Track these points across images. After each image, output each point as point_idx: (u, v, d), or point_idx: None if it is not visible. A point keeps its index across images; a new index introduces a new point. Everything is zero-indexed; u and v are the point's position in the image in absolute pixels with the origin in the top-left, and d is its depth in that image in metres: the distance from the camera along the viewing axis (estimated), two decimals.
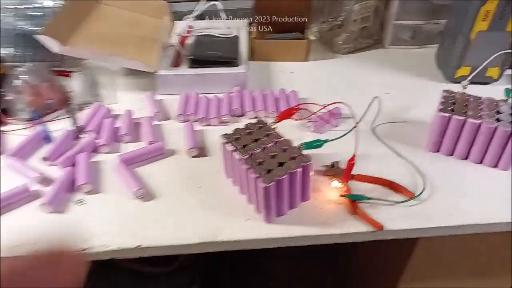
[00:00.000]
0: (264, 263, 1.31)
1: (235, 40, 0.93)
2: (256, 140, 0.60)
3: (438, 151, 0.71)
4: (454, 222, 0.59)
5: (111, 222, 0.59)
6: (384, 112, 0.79)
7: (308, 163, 0.56)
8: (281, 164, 0.56)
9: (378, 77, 0.93)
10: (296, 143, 0.59)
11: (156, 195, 0.62)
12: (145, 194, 0.62)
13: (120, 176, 0.64)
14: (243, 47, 0.91)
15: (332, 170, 0.65)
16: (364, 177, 0.65)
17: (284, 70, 0.95)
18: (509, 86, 0.84)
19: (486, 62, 0.77)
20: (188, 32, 0.96)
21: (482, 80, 0.87)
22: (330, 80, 0.92)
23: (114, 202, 0.62)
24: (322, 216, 0.59)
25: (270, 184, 0.53)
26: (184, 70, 0.84)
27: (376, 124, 0.78)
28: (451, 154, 0.70)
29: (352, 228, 0.58)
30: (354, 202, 0.60)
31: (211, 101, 0.81)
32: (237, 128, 0.62)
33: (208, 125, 0.77)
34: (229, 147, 0.59)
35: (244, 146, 0.59)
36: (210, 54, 0.85)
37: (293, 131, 0.75)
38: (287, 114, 0.68)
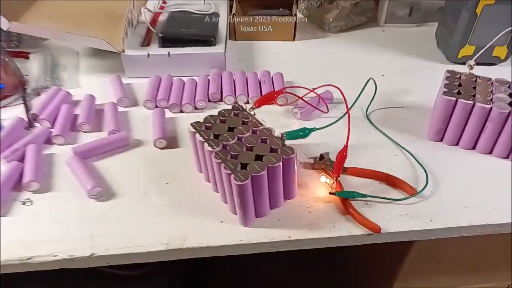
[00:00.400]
0: (250, 263, 1.24)
1: (214, 17, 0.83)
2: (231, 129, 0.51)
3: (441, 140, 0.63)
4: (461, 223, 0.51)
5: (61, 226, 0.50)
6: (380, 96, 0.70)
7: (291, 156, 0.47)
8: (259, 158, 0.47)
9: (373, 58, 0.84)
10: (278, 132, 0.51)
11: (116, 193, 0.53)
12: (101, 193, 0.53)
13: (73, 171, 0.55)
14: (223, 25, 0.81)
15: (321, 163, 0.57)
16: (358, 171, 0.56)
17: (269, 51, 0.86)
18: None
19: (494, 39, 0.68)
20: (161, 7, 0.86)
21: (488, 60, 0.79)
22: (319, 61, 0.83)
23: (66, 202, 0.53)
24: (309, 217, 0.51)
25: (245, 181, 0.44)
26: (155, 50, 0.74)
27: (371, 109, 0.69)
28: (456, 144, 0.62)
29: (344, 230, 0.49)
30: (346, 200, 0.51)
31: (185, 84, 0.71)
32: (209, 115, 0.53)
33: (181, 112, 0.68)
34: (199, 138, 0.50)
35: (217, 136, 0.50)
36: (183, 32, 0.75)
37: (276, 119, 0.66)
38: (268, 98, 0.59)
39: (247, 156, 0.47)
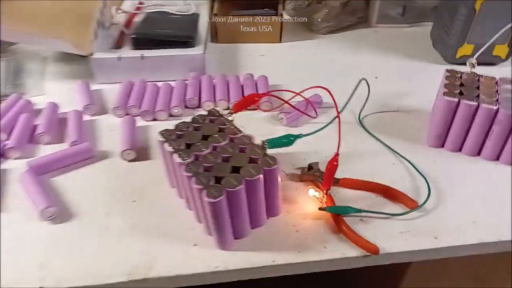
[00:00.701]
0: None
1: (194, 17, 0.77)
2: (205, 138, 0.45)
3: (442, 146, 0.57)
4: (470, 240, 0.44)
5: (7, 254, 0.42)
6: (374, 100, 0.64)
7: (274, 166, 0.41)
8: (236, 170, 0.41)
9: (365, 60, 0.79)
10: (260, 140, 0.44)
11: (74, 214, 0.46)
12: (57, 214, 0.46)
13: (25, 189, 0.48)
14: (204, 26, 0.75)
15: (310, 174, 0.50)
16: (351, 182, 0.50)
17: (254, 53, 0.80)
18: None
19: (495, 37, 0.63)
20: (138, 8, 0.80)
21: (488, 60, 0.73)
22: (308, 64, 0.77)
23: (15, 225, 0.45)
24: (296, 237, 0.44)
25: (219, 198, 0.38)
26: (127, 52, 0.68)
27: (364, 114, 0.63)
28: (459, 150, 0.56)
29: (336, 252, 0.43)
30: (338, 216, 0.45)
31: (160, 90, 0.65)
32: (181, 122, 0.47)
33: (155, 119, 0.61)
34: (168, 148, 0.44)
35: (189, 145, 0.44)
36: (158, 33, 0.69)
37: (260, 126, 0.60)
38: (248, 102, 0.52)
39: (223, 168, 0.41)
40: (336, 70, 0.75)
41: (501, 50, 0.73)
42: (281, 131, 0.59)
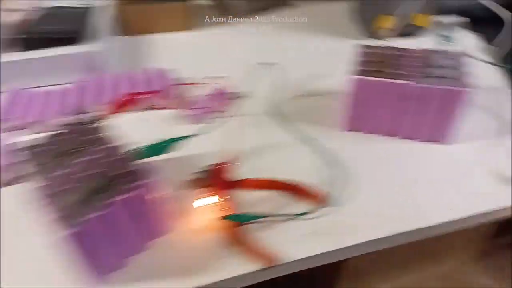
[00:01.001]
0: None
1: (85, 10, 0.68)
2: (68, 153, 0.37)
3: (357, 129, 0.51)
4: (390, 230, 0.40)
5: None
6: (290, 86, 0.58)
7: (147, 180, 0.34)
8: (103, 190, 0.33)
9: (282, 43, 0.72)
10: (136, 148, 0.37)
11: None
12: None
13: None
14: (104, 18, 0.66)
15: (207, 180, 0.43)
16: (255, 183, 0.44)
17: (163, 44, 0.71)
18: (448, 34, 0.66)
19: (413, 6, 0.58)
20: (31, 6, 0.69)
21: (410, 30, 0.68)
22: (221, 52, 0.70)
23: None
24: (188, 257, 0.38)
25: (69, 231, 0.30)
26: (7, 56, 0.58)
27: (278, 102, 0.57)
28: (374, 132, 0.51)
29: (235, 269, 0.37)
30: (236, 225, 0.39)
31: (35, 97, 0.55)
32: (40, 137, 0.39)
33: (32, 133, 0.52)
34: (21, 171, 0.36)
35: (44, 165, 0.36)
36: (41, 30, 0.60)
37: (163, 126, 0.52)
38: (126, 102, 0.45)
39: (83, 190, 0.33)
40: (252, 57, 0.67)
41: (422, 20, 0.68)
42: (184, 129, 0.51)
